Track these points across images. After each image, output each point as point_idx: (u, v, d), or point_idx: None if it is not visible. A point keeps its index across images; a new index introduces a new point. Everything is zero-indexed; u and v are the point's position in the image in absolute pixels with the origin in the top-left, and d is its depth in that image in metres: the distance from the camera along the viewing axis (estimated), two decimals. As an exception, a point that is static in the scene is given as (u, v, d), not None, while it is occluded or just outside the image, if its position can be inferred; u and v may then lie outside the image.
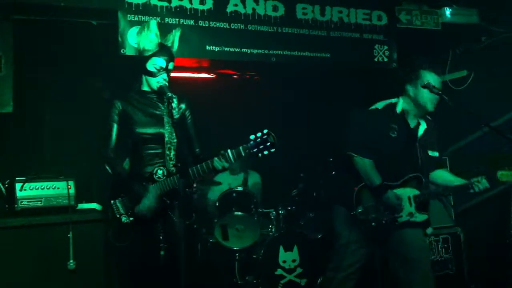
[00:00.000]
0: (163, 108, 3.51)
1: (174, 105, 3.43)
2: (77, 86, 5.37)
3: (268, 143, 3.24)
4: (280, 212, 5.44)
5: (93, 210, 4.37)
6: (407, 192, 3.83)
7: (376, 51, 5.43)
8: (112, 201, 3.43)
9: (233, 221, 5.19)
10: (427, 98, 3.80)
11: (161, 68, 3.50)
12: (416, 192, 3.84)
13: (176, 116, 3.49)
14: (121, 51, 4.58)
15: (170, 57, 3.56)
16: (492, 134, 4.43)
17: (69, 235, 4.03)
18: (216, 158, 3.35)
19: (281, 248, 5.13)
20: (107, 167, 3.50)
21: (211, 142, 5.76)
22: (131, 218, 3.39)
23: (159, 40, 3.58)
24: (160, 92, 3.50)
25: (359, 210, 3.83)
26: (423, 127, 3.93)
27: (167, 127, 3.47)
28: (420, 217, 3.82)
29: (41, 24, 4.62)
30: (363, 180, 3.87)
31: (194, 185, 4.65)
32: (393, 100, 3.97)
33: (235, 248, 5.12)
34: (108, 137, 3.51)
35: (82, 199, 4.51)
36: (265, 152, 3.26)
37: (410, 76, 3.89)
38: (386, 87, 5.91)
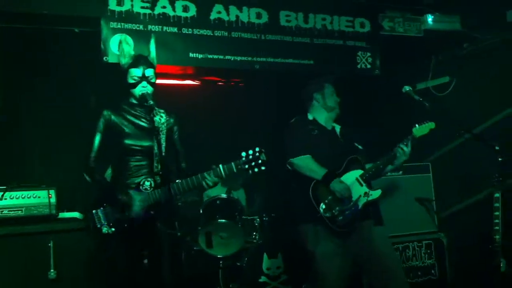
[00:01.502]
0: (150, 121, 3.52)
1: (158, 118, 3.45)
2: (62, 94, 5.33)
3: (260, 161, 3.32)
4: (264, 219, 5.43)
5: (75, 219, 4.33)
6: (353, 175, 3.93)
7: (359, 58, 5.47)
8: (93, 211, 3.39)
9: (217, 228, 5.17)
10: (334, 102, 4.15)
11: (138, 77, 3.52)
12: (360, 172, 3.95)
13: (164, 129, 3.52)
14: (104, 58, 4.57)
15: (147, 65, 3.57)
16: (473, 140, 4.45)
17: (49, 245, 4.00)
18: (207, 173, 3.37)
19: (265, 255, 5.13)
20: (86, 176, 3.47)
21: (198, 149, 5.85)
22: (112, 229, 3.35)
23: (133, 52, 3.62)
24: (143, 101, 3.49)
25: (323, 208, 3.83)
26: (338, 127, 4.20)
27: (154, 141, 3.47)
28: (375, 194, 3.93)
29: (25, 32, 4.61)
30: (311, 177, 3.90)
31: (178, 197, 4.69)
32: (300, 116, 4.23)
33: (219, 256, 5.09)
34: (90, 146, 3.50)
35: (65, 208, 4.47)
36: (256, 170, 3.33)
37: (316, 87, 4.21)
38: (370, 93, 6.01)
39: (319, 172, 3.87)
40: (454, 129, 4.55)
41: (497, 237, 4.15)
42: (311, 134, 4.03)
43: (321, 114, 4.17)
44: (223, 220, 5.18)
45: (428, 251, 5.43)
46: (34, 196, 4.19)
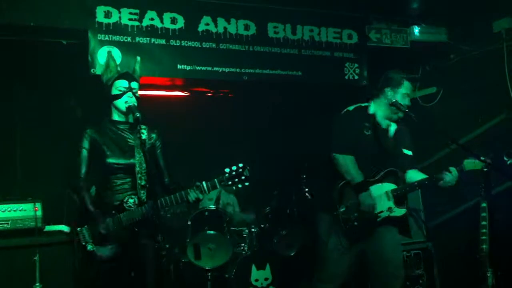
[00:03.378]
0: (133, 137, 3.51)
1: (144, 132, 3.44)
2: (48, 105, 5.32)
3: (243, 177, 3.34)
4: (252, 230, 5.42)
5: (61, 232, 4.29)
6: (385, 187, 3.89)
7: (346, 69, 5.51)
8: (78, 229, 3.38)
9: (206, 240, 5.16)
10: (404, 104, 3.95)
11: (125, 88, 3.52)
12: (393, 186, 3.91)
13: (146, 145, 3.51)
14: (91, 70, 4.57)
15: (132, 78, 3.58)
16: (459, 150, 4.48)
17: (35, 258, 3.96)
18: (191, 190, 3.38)
19: (254, 267, 5.12)
20: (73, 195, 3.46)
21: (187, 159, 5.85)
22: (97, 246, 3.34)
23: (119, 68, 3.63)
24: (127, 116, 3.49)
25: (342, 210, 3.85)
26: (393, 127, 4.06)
27: (137, 157, 3.47)
28: (398, 211, 3.89)
29: (12, 43, 4.60)
30: (345, 178, 3.90)
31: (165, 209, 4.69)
32: (363, 104, 4.10)
33: (207, 268, 5.08)
34: (79, 165, 3.48)
35: (52, 221, 4.43)
36: (239, 186, 3.36)
37: (392, 81, 4.01)
38: (357, 103, 6.01)
39: (355, 177, 3.84)
40: (440, 139, 4.58)
41: (484, 246, 4.17)
42: (363, 133, 3.93)
43: (383, 110, 4.02)
44: (211, 232, 5.17)
45: (417, 261, 5.43)
46: (20, 209, 4.15)
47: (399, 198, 3.90)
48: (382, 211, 3.85)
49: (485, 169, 3.84)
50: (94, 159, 3.49)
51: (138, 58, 3.74)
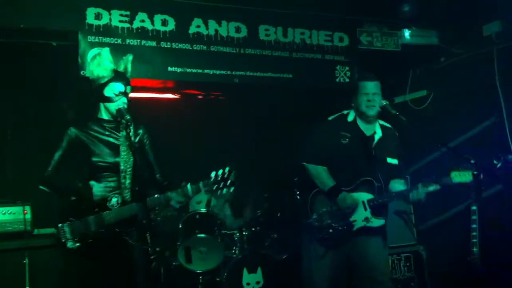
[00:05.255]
0: (119, 135, 3.49)
1: (131, 129, 3.41)
2: (38, 107, 5.28)
3: (229, 181, 3.34)
4: (244, 233, 5.40)
5: (51, 235, 4.24)
6: (361, 197, 3.85)
7: (337, 71, 5.52)
8: (59, 225, 3.32)
9: (197, 243, 5.13)
10: (364, 103, 3.94)
11: (120, 92, 3.49)
12: (370, 196, 3.86)
13: (135, 141, 3.48)
14: (81, 72, 4.55)
15: (126, 81, 3.56)
16: (450, 153, 4.49)
17: (25, 261, 3.93)
18: (172, 193, 3.37)
19: (245, 270, 5.10)
20: (41, 187, 3.46)
21: (177, 161, 5.82)
22: (77, 244, 3.28)
23: (114, 67, 3.57)
24: (117, 118, 3.48)
25: (314, 217, 3.84)
26: (378, 135, 4.02)
27: (123, 155, 3.44)
28: (376, 222, 3.84)
29: (2, 45, 4.57)
30: (318, 186, 3.90)
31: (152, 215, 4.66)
32: (345, 112, 4.12)
33: (198, 271, 5.05)
34: (51, 161, 3.47)
35: (43, 224, 4.40)
36: (224, 191, 3.36)
37: (354, 88, 4.10)
38: (348, 106, 6.03)
39: (327, 184, 3.85)
40: (431, 143, 4.59)
41: (475, 249, 4.18)
42: (339, 142, 3.92)
43: (358, 115, 4.01)
44: (203, 235, 5.14)
45: (408, 264, 5.45)
46: (9, 212, 4.14)
47: (376, 208, 3.85)
48: (356, 220, 3.81)
49: (475, 172, 3.84)
50: (78, 158, 3.46)
51: (130, 57, 3.71)
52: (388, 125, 4.14)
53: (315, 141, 4.01)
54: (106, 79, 3.49)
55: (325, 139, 3.97)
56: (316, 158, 3.93)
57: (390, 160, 3.99)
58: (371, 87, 3.99)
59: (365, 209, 3.83)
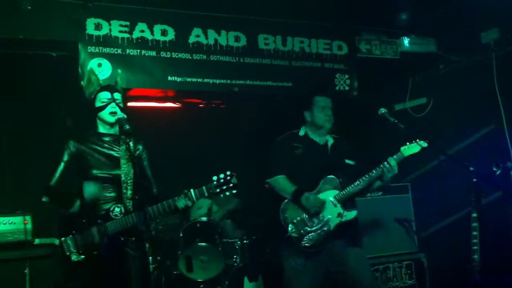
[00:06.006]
0: (119, 149, 3.52)
1: (131, 143, 3.45)
2: (39, 118, 5.30)
3: (231, 184, 3.37)
4: (244, 241, 5.40)
5: (51, 245, 4.26)
6: (328, 195, 3.92)
7: (337, 80, 5.54)
8: (62, 239, 3.34)
9: (197, 252, 5.13)
10: (322, 119, 4.09)
11: (108, 99, 3.55)
12: (335, 192, 3.93)
13: (134, 155, 3.52)
14: (81, 82, 4.54)
15: (115, 90, 3.61)
16: (449, 161, 4.50)
17: (25, 271, 3.94)
18: (179, 198, 3.39)
19: (246, 279, 5.10)
20: (44, 199, 3.47)
21: (179, 169, 5.84)
22: (82, 256, 3.30)
23: (101, 82, 3.67)
24: (118, 126, 3.50)
25: (290, 228, 3.86)
26: (331, 141, 4.16)
27: (123, 168, 3.48)
28: (349, 215, 3.91)
29: (2, 56, 4.60)
30: (283, 196, 3.93)
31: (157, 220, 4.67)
32: (294, 130, 4.24)
33: (199, 280, 5.05)
34: (53, 174, 3.49)
35: (42, 234, 4.41)
36: (227, 193, 3.38)
37: (307, 104, 4.20)
38: (348, 113, 6.05)
39: (289, 189, 3.91)
40: (431, 150, 4.59)
41: (476, 256, 4.18)
42: (293, 153, 4.03)
43: (312, 129, 4.16)
44: (203, 243, 5.14)
45: (409, 271, 5.45)
46: (9, 222, 4.14)
47: (345, 201, 3.92)
48: (330, 218, 3.86)
49: (474, 179, 3.85)
50: (78, 170, 3.49)
51: (119, 71, 3.85)
52: (336, 136, 4.26)
53: (273, 156, 4.11)
54: (94, 93, 3.59)
55: (281, 152, 4.09)
56: (274, 171, 4.02)
57: (348, 161, 4.12)
58: (328, 101, 4.17)
59: (335, 206, 3.90)
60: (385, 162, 3.86)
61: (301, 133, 4.19)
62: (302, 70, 5.40)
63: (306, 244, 3.82)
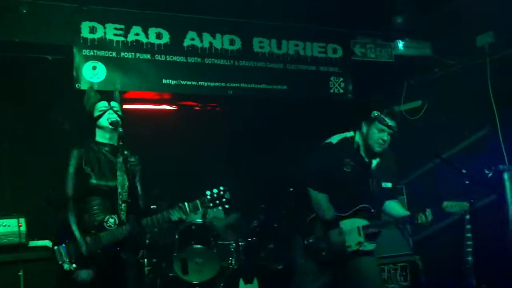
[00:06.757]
0: (116, 160, 3.54)
1: (120, 158, 3.47)
2: (36, 120, 5.31)
3: (224, 199, 3.42)
4: (240, 244, 5.41)
5: (46, 247, 4.26)
6: (356, 222, 3.87)
7: (332, 83, 5.56)
8: (55, 247, 3.35)
9: (193, 254, 5.14)
10: (375, 140, 3.81)
11: (105, 106, 3.59)
12: (365, 222, 3.88)
13: (129, 169, 3.53)
14: (76, 85, 4.60)
15: (111, 98, 3.65)
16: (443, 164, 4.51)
17: (19, 274, 3.94)
18: (173, 210, 3.42)
19: (241, 281, 5.10)
20: (61, 214, 3.45)
21: (175, 172, 5.85)
22: (73, 265, 3.30)
23: (99, 96, 3.68)
24: (112, 128, 3.52)
25: (311, 240, 3.88)
26: (376, 161, 3.97)
27: (120, 180, 3.49)
28: (368, 246, 3.88)
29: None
30: (316, 213, 3.92)
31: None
32: (348, 134, 3.98)
33: (194, 282, 5.06)
34: (67, 184, 3.47)
35: (36, 237, 4.41)
36: (220, 208, 3.46)
37: (368, 113, 3.84)
38: (343, 117, 6.07)
39: (326, 214, 3.85)
40: (425, 153, 4.62)
41: (469, 258, 4.19)
42: (342, 169, 3.85)
43: (363, 143, 3.90)
44: (199, 246, 5.16)
45: (404, 273, 5.46)
46: (3, 225, 4.14)
47: (370, 234, 3.86)
48: (350, 246, 3.82)
49: (466, 182, 3.86)
50: (79, 179, 3.50)
51: (117, 90, 3.81)
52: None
53: (320, 167, 3.91)
54: (93, 105, 3.63)
55: (329, 166, 3.87)
56: (318, 184, 3.90)
57: (384, 184, 3.96)
58: (392, 125, 3.78)
59: (359, 234, 3.85)
60: (422, 215, 3.77)
61: (355, 145, 3.92)
62: (297, 73, 5.42)
63: (320, 259, 3.84)
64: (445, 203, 3.77)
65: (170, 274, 5.18)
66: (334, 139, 4.00)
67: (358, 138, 3.95)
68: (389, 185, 4.00)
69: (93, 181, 3.47)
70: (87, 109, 3.66)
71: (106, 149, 3.59)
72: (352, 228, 3.85)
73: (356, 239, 3.83)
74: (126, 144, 3.47)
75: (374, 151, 3.86)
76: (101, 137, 3.60)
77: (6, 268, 3.99)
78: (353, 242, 3.83)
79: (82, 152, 3.53)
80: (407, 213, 3.92)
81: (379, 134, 3.78)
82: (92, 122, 3.61)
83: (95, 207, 3.48)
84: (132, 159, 3.65)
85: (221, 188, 3.42)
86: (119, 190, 3.47)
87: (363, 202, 3.89)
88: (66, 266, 3.30)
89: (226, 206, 3.44)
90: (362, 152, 3.94)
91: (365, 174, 3.94)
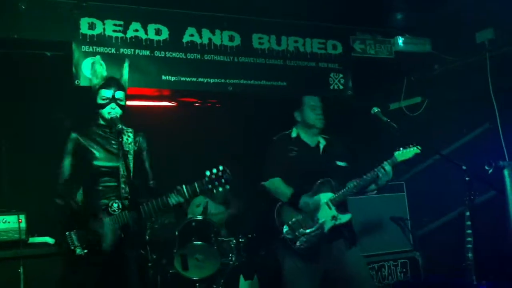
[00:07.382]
0: (117, 142, 3.52)
1: (125, 138, 3.46)
2: (33, 117, 5.31)
3: (223, 180, 3.36)
4: (240, 240, 5.41)
5: (46, 244, 4.28)
6: (322, 198, 3.92)
7: (331, 79, 5.55)
8: (67, 233, 3.36)
9: (193, 250, 5.14)
10: (313, 117, 4.14)
11: (108, 98, 3.55)
12: (330, 195, 3.93)
13: (131, 149, 3.55)
14: (76, 82, 4.58)
15: (117, 87, 3.61)
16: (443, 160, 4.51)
17: (20, 270, 3.94)
18: (171, 194, 3.39)
19: (242, 277, 5.11)
20: (57, 200, 3.47)
21: (175, 168, 5.84)
22: (85, 250, 3.33)
23: (105, 74, 3.64)
24: (110, 125, 3.52)
25: (285, 230, 3.86)
26: (322, 143, 4.18)
27: (122, 161, 3.47)
28: (344, 218, 3.91)
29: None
30: (279, 198, 3.94)
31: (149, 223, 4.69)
32: (287, 132, 4.25)
33: (195, 278, 5.06)
34: (60, 170, 3.50)
35: (36, 233, 4.42)
36: (220, 189, 3.38)
37: (298, 105, 4.25)
38: (342, 113, 6.07)
39: (286, 193, 3.91)
40: (424, 149, 4.60)
41: (470, 255, 4.19)
42: (287, 155, 4.04)
43: (304, 130, 4.18)
44: (199, 242, 5.16)
45: (404, 269, 5.47)
46: (3, 221, 4.14)
47: (339, 204, 3.93)
48: (325, 221, 3.85)
49: (467, 178, 3.86)
50: (80, 162, 3.50)
51: (126, 63, 3.78)
52: (327, 136, 4.27)
53: (268, 158, 4.12)
54: (97, 86, 3.59)
55: (276, 154, 4.09)
56: (268, 173, 4.04)
57: (339, 163, 4.13)
58: (317, 100, 4.23)
59: (330, 208, 3.90)
60: (380, 167, 3.87)
61: (293, 134, 4.21)
62: (297, 69, 5.40)
63: (301, 246, 3.82)
64: (396, 153, 3.91)
65: (171, 271, 5.19)
66: (275, 137, 4.25)
67: (295, 129, 4.22)
68: (344, 163, 4.15)
69: (96, 162, 3.47)
70: (92, 84, 3.63)
71: (108, 131, 3.57)
72: (321, 204, 3.89)
73: (329, 214, 3.88)
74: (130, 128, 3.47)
75: (318, 127, 4.14)
76: (102, 120, 3.60)
77: (6, 264, 3.98)
78: (328, 217, 3.87)
79: (82, 134, 3.53)
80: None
81: (314, 111, 4.15)
82: (92, 101, 3.57)
83: (100, 190, 3.47)
84: (137, 138, 3.65)
85: (221, 168, 3.37)
86: (122, 172, 3.46)
87: (321, 178, 3.97)
88: (78, 251, 3.32)
89: (226, 186, 3.37)
90: (304, 139, 4.17)
91: (314, 156, 4.13)
